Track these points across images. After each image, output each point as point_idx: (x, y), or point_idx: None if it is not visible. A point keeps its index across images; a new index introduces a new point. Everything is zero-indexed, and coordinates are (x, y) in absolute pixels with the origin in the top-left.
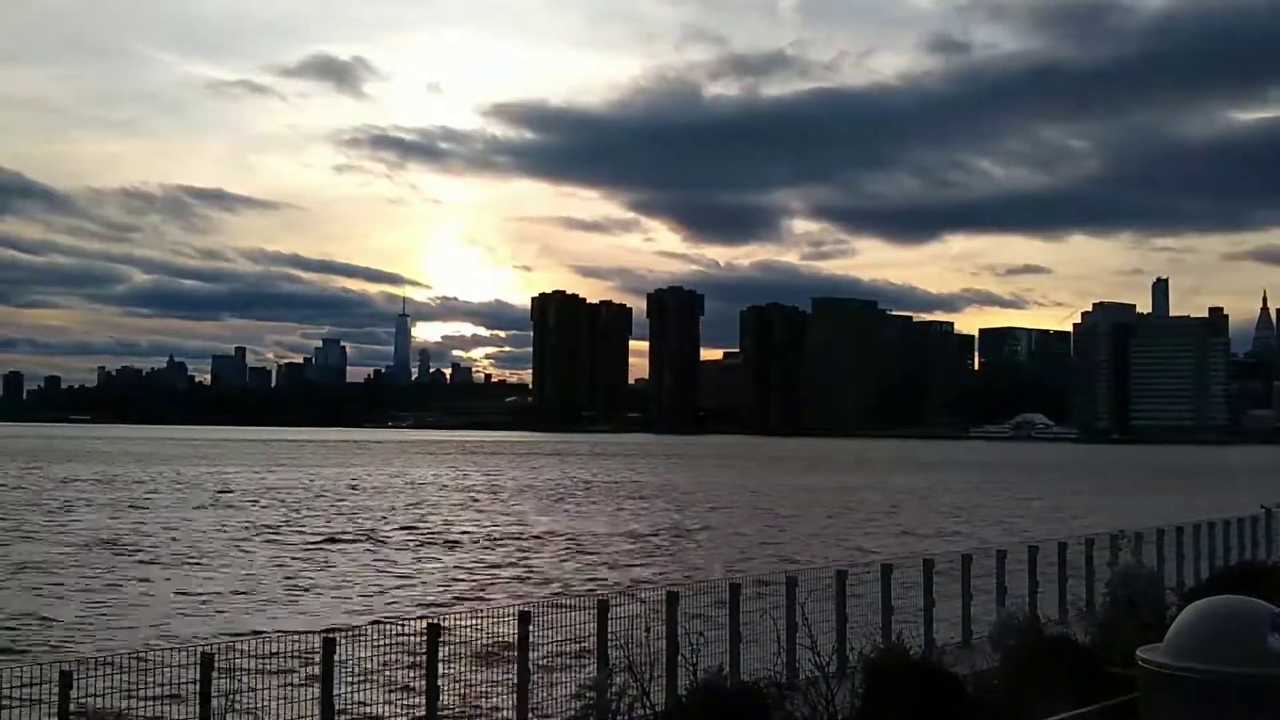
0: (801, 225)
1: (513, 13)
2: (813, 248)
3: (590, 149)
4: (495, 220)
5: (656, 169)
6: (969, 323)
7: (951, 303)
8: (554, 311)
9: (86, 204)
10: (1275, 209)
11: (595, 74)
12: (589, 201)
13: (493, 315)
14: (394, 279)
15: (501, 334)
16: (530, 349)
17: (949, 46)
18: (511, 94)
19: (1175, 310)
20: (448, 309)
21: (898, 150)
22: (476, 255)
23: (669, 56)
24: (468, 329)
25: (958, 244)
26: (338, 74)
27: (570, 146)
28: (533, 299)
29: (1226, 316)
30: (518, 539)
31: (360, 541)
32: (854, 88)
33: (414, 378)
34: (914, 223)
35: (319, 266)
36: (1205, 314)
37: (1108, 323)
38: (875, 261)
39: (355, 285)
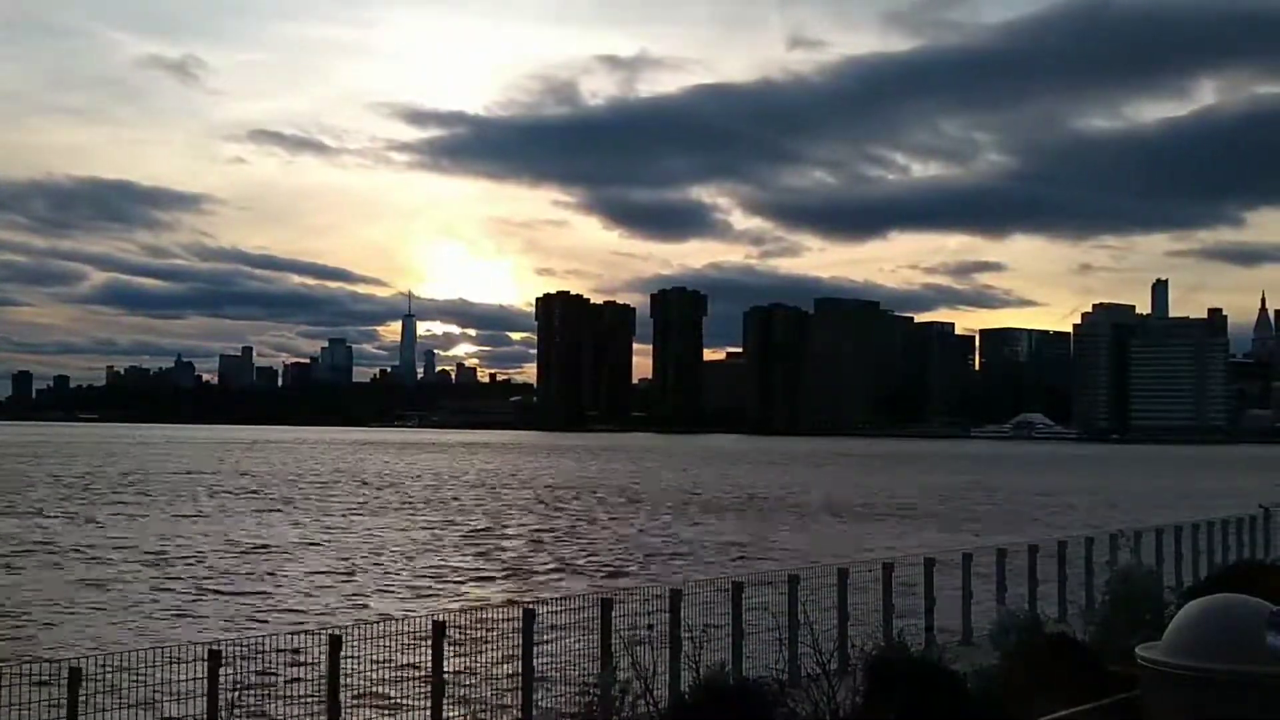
0: (740, 223)
1: (384, 8)
2: (755, 245)
3: (480, 146)
4: (430, 217)
5: (560, 166)
6: (945, 320)
7: (917, 300)
8: (558, 312)
9: (6, 198)
10: (1208, 205)
11: (459, 72)
12: (512, 199)
13: (458, 313)
14: (345, 275)
15: (472, 331)
16: (513, 348)
17: (806, 43)
18: (386, 92)
19: (1175, 311)
20: (416, 307)
21: (801, 145)
22: (427, 251)
23: (537, 56)
24: (438, 327)
25: (903, 241)
26: (179, 68)
27: (460, 144)
28: (536, 299)
29: (1226, 317)
30: None
31: None
32: (739, 83)
33: (420, 377)
34: (849, 220)
35: (264, 262)
36: (1204, 315)
37: (1108, 323)
38: (829, 261)
39: (312, 281)
